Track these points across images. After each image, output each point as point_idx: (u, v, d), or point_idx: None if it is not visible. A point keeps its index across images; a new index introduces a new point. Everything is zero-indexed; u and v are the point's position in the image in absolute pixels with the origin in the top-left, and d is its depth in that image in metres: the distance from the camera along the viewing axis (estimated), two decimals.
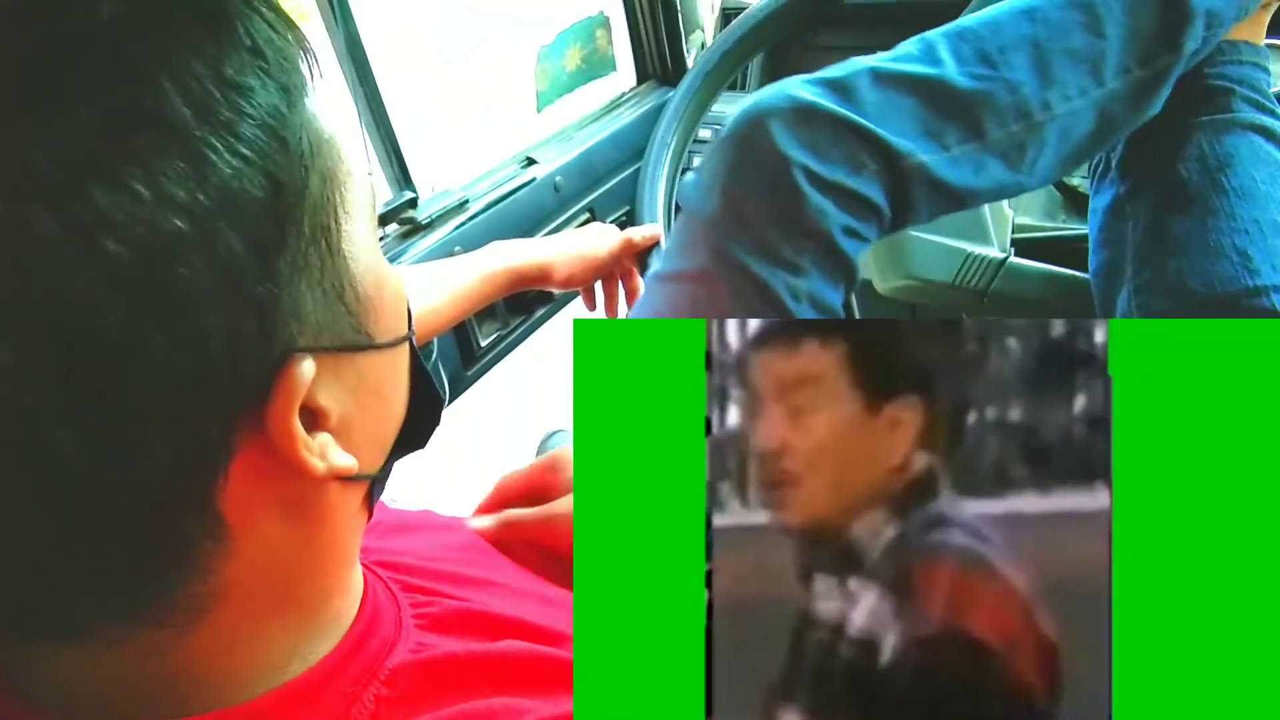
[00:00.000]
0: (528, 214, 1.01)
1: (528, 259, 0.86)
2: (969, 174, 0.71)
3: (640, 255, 0.97)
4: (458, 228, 0.92)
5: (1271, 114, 0.75)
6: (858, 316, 1.22)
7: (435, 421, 0.43)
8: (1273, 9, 0.79)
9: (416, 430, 0.41)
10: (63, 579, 0.29)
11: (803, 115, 0.69)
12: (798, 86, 0.71)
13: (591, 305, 0.98)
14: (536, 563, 0.57)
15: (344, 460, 0.33)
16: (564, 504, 0.61)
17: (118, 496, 0.28)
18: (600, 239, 0.93)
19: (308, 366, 0.31)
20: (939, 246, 0.98)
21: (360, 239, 0.35)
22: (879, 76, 0.71)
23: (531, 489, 0.64)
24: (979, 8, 0.83)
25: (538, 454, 1.58)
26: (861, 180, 0.69)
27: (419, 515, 0.59)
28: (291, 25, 0.33)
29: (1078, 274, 0.91)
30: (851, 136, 0.69)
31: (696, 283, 0.72)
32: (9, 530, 0.28)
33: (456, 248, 0.90)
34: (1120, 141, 0.81)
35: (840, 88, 0.70)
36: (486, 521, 0.60)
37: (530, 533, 0.59)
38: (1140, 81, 0.73)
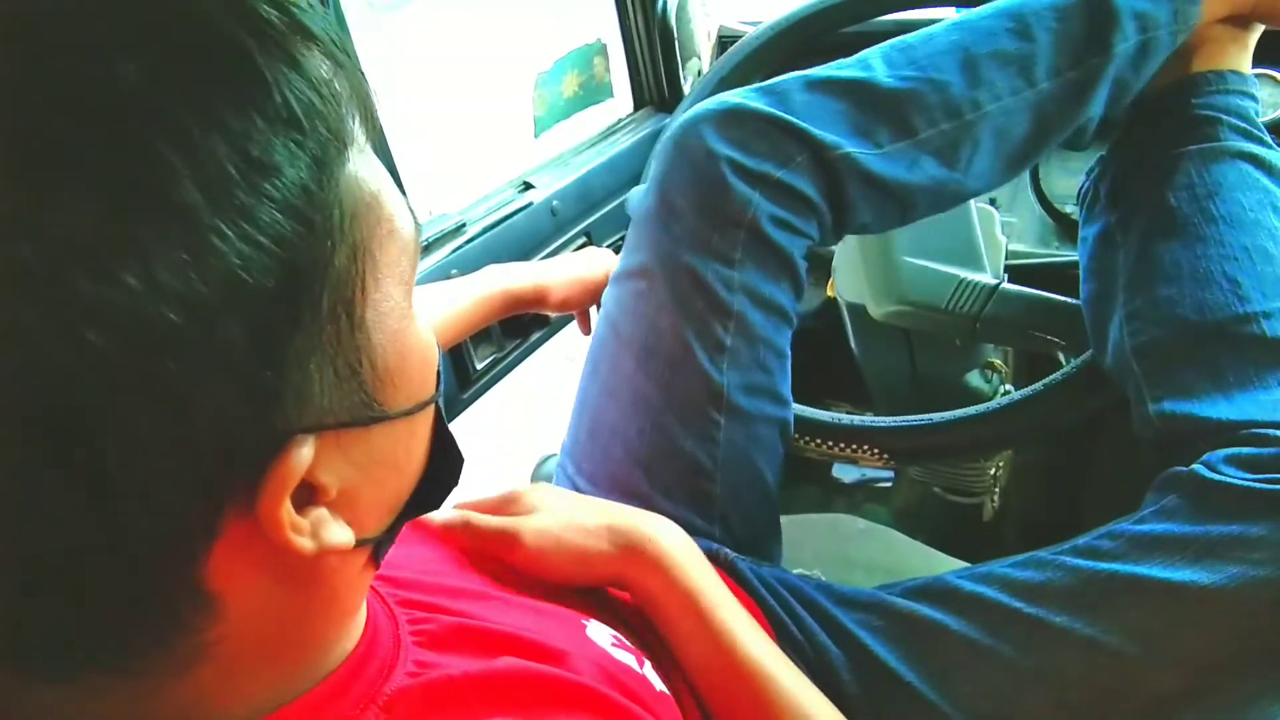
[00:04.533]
0: (525, 238, 1.01)
1: (524, 282, 0.86)
2: (902, 170, 0.74)
3: None
4: (455, 251, 0.93)
5: (1259, 142, 0.76)
6: (852, 342, 1.22)
7: (453, 483, 0.41)
8: (1256, 34, 0.81)
9: (431, 492, 0.39)
10: (43, 629, 0.29)
11: (732, 115, 0.73)
12: (733, 94, 0.74)
13: (587, 329, 0.99)
14: (503, 573, 0.57)
15: (338, 538, 0.32)
16: (526, 521, 0.60)
17: (94, 563, 0.28)
18: (596, 263, 0.93)
19: (305, 452, 0.30)
20: (933, 272, 0.98)
21: (389, 305, 0.33)
22: (811, 83, 0.74)
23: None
24: None
25: (532, 479, 1.57)
26: (790, 172, 0.72)
27: None
28: (341, 66, 0.31)
29: (1069, 300, 0.92)
30: (779, 132, 0.72)
31: (639, 278, 0.75)
32: None
33: (454, 270, 0.91)
34: (1109, 172, 0.82)
35: (773, 92, 0.74)
36: (446, 518, 0.60)
37: (490, 544, 0.58)
38: (1073, 82, 0.76)
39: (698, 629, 0.56)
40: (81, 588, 0.28)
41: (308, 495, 0.31)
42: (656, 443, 0.72)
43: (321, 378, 0.30)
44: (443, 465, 0.40)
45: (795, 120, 0.72)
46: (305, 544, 0.31)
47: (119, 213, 0.25)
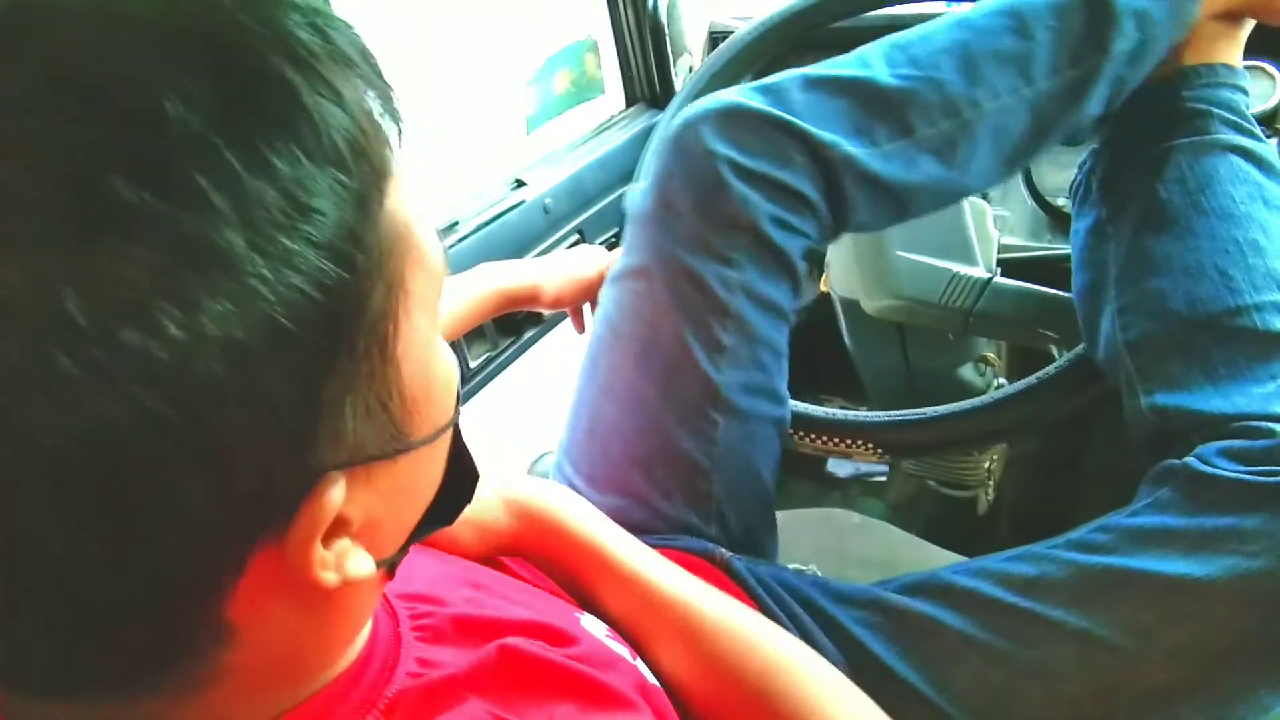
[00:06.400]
0: (517, 235, 1.01)
1: (517, 280, 0.86)
2: (900, 169, 0.74)
3: None
4: (448, 249, 0.92)
5: (1250, 135, 0.76)
6: (846, 337, 1.22)
7: (468, 498, 0.41)
8: (1247, 28, 0.81)
9: (447, 507, 0.39)
10: (61, 661, 0.29)
11: (731, 115, 0.72)
12: (732, 92, 0.74)
13: (580, 327, 0.99)
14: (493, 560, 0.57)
15: (361, 569, 0.32)
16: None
17: (119, 603, 0.27)
18: (589, 260, 0.93)
19: (337, 492, 0.29)
20: (925, 267, 0.98)
21: (418, 335, 0.32)
22: (809, 81, 0.74)
23: None
24: None
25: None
26: (789, 172, 0.71)
27: None
28: (378, 90, 0.30)
29: (1062, 294, 0.92)
30: (777, 132, 0.71)
31: (638, 278, 0.75)
32: (10, 602, 0.27)
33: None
34: (1101, 164, 0.82)
35: (771, 91, 0.74)
36: None
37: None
38: (1072, 81, 0.75)
39: (610, 581, 0.55)
40: (103, 625, 0.28)
41: (333, 528, 0.31)
42: (654, 442, 0.72)
43: (354, 415, 0.30)
44: (458, 480, 0.40)
45: (794, 119, 0.71)
46: (330, 578, 0.31)
47: (167, 262, 0.24)
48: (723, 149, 0.71)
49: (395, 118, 0.31)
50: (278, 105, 0.26)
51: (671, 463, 0.72)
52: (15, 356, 0.23)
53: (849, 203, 0.74)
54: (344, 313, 0.28)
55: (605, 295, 0.78)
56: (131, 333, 0.23)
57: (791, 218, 0.72)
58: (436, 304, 0.34)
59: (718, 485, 0.72)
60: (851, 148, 0.72)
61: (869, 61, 0.75)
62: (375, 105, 0.30)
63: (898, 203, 0.76)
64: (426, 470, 0.36)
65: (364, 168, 0.28)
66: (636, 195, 0.77)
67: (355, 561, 0.32)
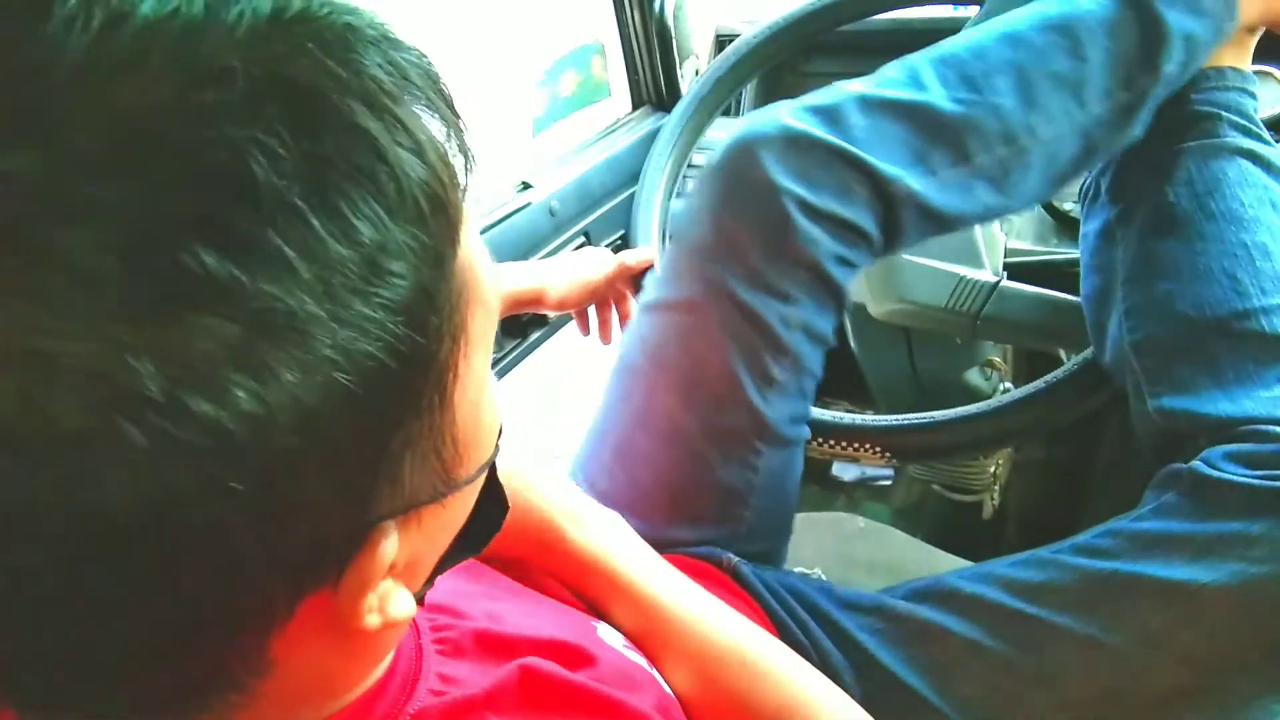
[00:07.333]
0: (524, 237, 1.01)
1: (523, 282, 0.86)
2: (957, 199, 0.72)
3: (634, 279, 0.98)
4: None
5: (1258, 138, 0.76)
6: (851, 340, 1.22)
7: (497, 527, 0.40)
8: (1258, 34, 0.80)
9: (476, 536, 0.39)
10: (100, 694, 0.28)
11: (792, 143, 0.69)
12: (787, 114, 0.71)
13: (586, 329, 0.99)
14: (509, 567, 0.56)
15: (403, 610, 0.32)
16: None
17: (168, 648, 0.27)
18: (595, 263, 0.93)
19: (390, 544, 0.29)
20: (932, 271, 0.98)
21: (474, 376, 0.31)
22: (867, 103, 0.72)
23: None
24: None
25: None
26: (852, 208, 0.69)
27: None
28: (451, 121, 0.29)
29: (1069, 297, 0.92)
30: (841, 163, 0.69)
31: (685, 312, 0.72)
32: (53, 645, 0.26)
33: None
34: (1110, 167, 0.82)
35: (829, 115, 0.71)
36: None
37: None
38: (1122, 105, 0.74)
39: (619, 601, 0.55)
40: (150, 667, 0.27)
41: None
42: (693, 474, 0.71)
43: (411, 466, 0.29)
44: (488, 510, 0.39)
45: (857, 151, 0.69)
46: (374, 620, 0.31)
47: (245, 333, 0.23)
48: (787, 183, 0.68)
49: (465, 153, 0.30)
50: (362, 161, 0.25)
51: (707, 493, 0.71)
52: (81, 425, 0.22)
53: (903, 233, 0.73)
54: (414, 373, 0.27)
55: (644, 322, 0.76)
56: (204, 405, 0.23)
57: (850, 253, 0.71)
58: (492, 337, 0.33)
59: (754, 509, 0.72)
60: (913, 180, 0.70)
61: (922, 81, 0.72)
62: (444, 136, 0.29)
63: (944, 228, 0.75)
64: (466, 504, 0.36)
65: (440, 222, 0.27)
66: (683, 220, 0.75)
67: (397, 603, 0.32)
